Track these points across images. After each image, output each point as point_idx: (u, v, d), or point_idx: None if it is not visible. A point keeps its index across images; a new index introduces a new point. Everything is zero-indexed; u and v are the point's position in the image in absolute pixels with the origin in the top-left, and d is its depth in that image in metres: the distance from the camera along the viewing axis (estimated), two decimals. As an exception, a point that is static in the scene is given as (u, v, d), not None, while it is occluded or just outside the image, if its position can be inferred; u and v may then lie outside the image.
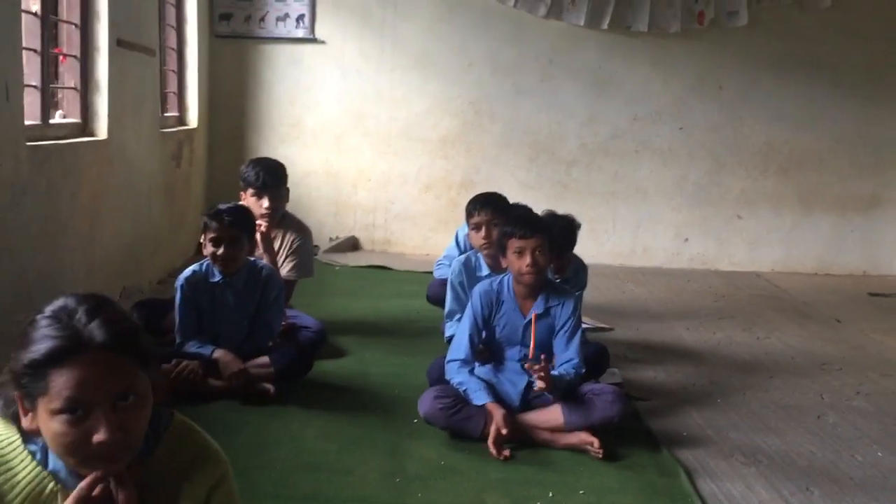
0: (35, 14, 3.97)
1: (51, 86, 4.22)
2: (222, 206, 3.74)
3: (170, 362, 3.55)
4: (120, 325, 1.40)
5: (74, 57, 4.49)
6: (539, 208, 4.16)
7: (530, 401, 3.40)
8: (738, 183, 7.51)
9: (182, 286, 3.75)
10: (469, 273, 4.12)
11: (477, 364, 3.53)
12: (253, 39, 7.19)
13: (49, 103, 4.19)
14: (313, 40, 7.18)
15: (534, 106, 7.36)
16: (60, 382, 1.33)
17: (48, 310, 1.40)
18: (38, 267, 3.69)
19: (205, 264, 3.78)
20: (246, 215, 3.81)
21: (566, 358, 3.40)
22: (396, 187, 7.45)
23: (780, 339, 5.25)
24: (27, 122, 3.75)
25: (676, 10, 7.00)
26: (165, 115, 6.14)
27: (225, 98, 7.23)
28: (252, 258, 3.98)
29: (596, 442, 3.23)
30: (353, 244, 7.45)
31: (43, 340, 1.35)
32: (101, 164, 4.54)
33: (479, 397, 3.31)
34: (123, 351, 1.38)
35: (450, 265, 4.38)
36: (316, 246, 6.43)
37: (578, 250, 4.42)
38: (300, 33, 7.17)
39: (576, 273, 4.39)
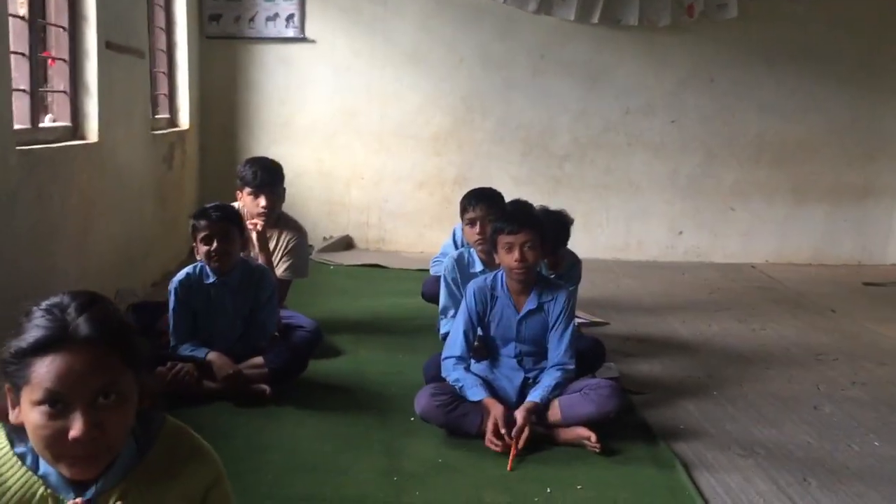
0: (23, 18, 3.95)
1: (40, 90, 4.20)
2: (208, 206, 3.74)
3: (164, 365, 3.54)
4: (109, 321, 1.40)
5: (63, 60, 4.46)
6: (532, 203, 4.15)
7: (527, 395, 3.39)
8: (730, 174, 7.52)
9: (176, 289, 3.73)
10: (462, 269, 4.11)
11: (473, 361, 3.53)
12: (243, 40, 7.17)
13: (39, 107, 4.17)
14: (303, 39, 7.16)
15: (525, 101, 7.35)
16: (42, 373, 1.34)
17: (44, 303, 1.41)
18: (30, 272, 3.67)
19: (198, 267, 3.77)
20: (232, 210, 3.80)
21: (558, 354, 3.40)
22: (390, 185, 7.44)
23: (776, 331, 5.26)
24: (17, 127, 3.73)
25: (666, 3, 6.99)
26: (156, 117, 6.12)
27: (216, 99, 7.21)
28: (246, 258, 3.97)
29: (593, 436, 3.22)
30: (347, 243, 7.44)
31: (32, 330, 1.37)
32: (93, 168, 4.52)
33: (476, 393, 3.31)
34: (109, 347, 1.37)
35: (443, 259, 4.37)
36: (310, 246, 6.41)
37: (572, 245, 4.42)
38: (290, 33, 7.15)
39: (570, 268, 4.39)
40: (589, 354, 3.83)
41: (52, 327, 1.36)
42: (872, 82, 7.39)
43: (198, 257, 3.73)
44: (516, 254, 3.34)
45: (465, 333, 3.46)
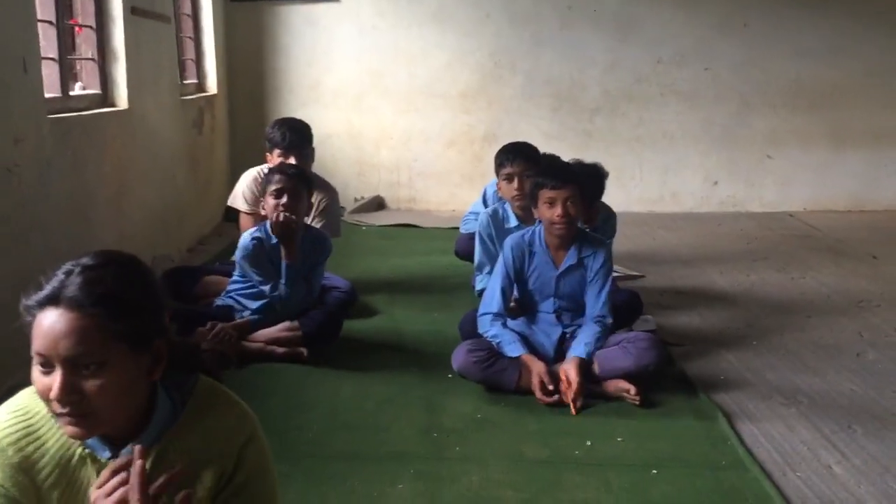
0: (48, -15, 3.94)
1: (68, 57, 4.20)
2: (283, 163, 3.94)
3: (205, 325, 3.57)
4: (102, 288, 1.36)
5: (90, 27, 4.46)
6: (564, 158, 4.10)
7: (565, 351, 3.38)
8: (766, 122, 7.37)
9: (247, 249, 3.75)
10: (497, 225, 4.08)
11: (509, 319, 3.51)
12: (268, 2, 7.12)
13: (68, 75, 4.17)
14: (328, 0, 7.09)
15: (554, 55, 7.24)
16: (36, 330, 1.35)
17: (73, 261, 1.40)
18: (68, 240, 3.71)
19: (263, 229, 3.79)
20: (303, 173, 3.90)
21: (596, 309, 3.37)
22: (419, 144, 7.40)
23: (816, 279, 5.17)
24: (47, 95, 3.74)
25: (697, -53, 6.81)
26: (185, 82, 6.12)
27: (243, 63, 7.19)
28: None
29: (633, 389, 3.21)
30: (378, 203, 7.43)
31: (44, 285, 1.37)
32: (124, 135, 4.53)
33: (514, 349, 3.30)
34: (94, 315, 1.34)
35: (477, 220, 4.34)
36: (342, 207, 6.42)
37: (606, 198, 4.36)
38: (315, -7, 7.08)
39: (605, 221, 4.34)
40: (625, 308, 3.79)
41: (54, 285, 1.36)
42: (913, 22, 7.17)
43: (263, 210, 3.79)
44: (559, 209, 3.30)
45: (503, 289, 3.44)
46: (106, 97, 4.56)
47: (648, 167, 7.43)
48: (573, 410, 3.14)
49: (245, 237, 3.80)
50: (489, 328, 3.39)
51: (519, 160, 4.09)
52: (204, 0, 6.58)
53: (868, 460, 2.81)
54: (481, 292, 3.92)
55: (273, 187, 3.71)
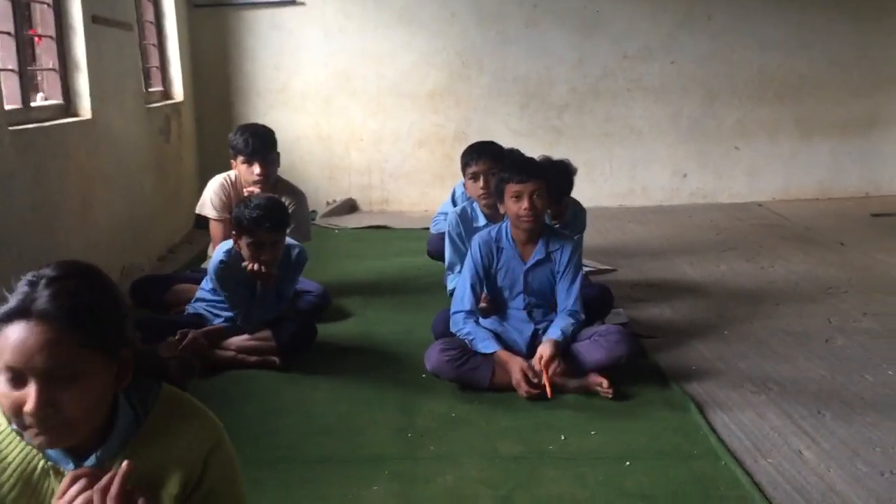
0: (5, -4, 3.89)
1: (29, 68, 4.15)
2: (253, 203, 3.55)
3: (175, 335, 3.54)
4: (71, 299, 1.35)
5: (50, 37, 4.41)
6: (534, 154, 4.12)
7: (537, 347, 3.39)
8: (733, 114, 7.44)
9: (217, 274, 3.65)
10: (466, 224, 4.09)
11: (481, 318, 3.51)
12: (232, 6, 7.08)
13: (29, 86, 4.13)
14: (293, 2, 7.06)
15: (521, 53, 7.26)
16: (3, 343, 1.33)
17: (34, 273, 1.38)
18: (32, 252, 3.66)
19: (232, 253, 3.66)
20: (281, 210, 3.66)
21: (567, 304, 3.39)
22: (389, 145, 7.39)
23: (785, 267, 5.23)
24: (8, 107, 3.69)
25: (659, -58, 6.86)
26: (150, 90, 6.07)
27: (209, 68, 7.14)
28: None
29: (605, 382, 3.23)
30: (351, 206, 7.41)
31: (9, 299, 1.35)
32: (88, 144, 4.49)
33: (487, 346, 3.30)
34: (66, 326, 1.33)
35: (447, 219, 4.35)
36: (313, 211, 6.40)
37: (576, 194, 4.38)
38: (279, -4, 7.05)
39: (574, 217, 4.36)
40: (596, 302, 3.82)
41: (20, 298, 1.34)
42: (874, 12, 7.28)
43: (240, 248, 3.62)
44: (525, 202, 3.31)
45: (473, 287, 3.45)
46: (69, 107, 4.51)
47: (618, 161, 7.47)
48: (548, 392, 3.14)
49: (215, 258, 3.71)
50: (462, 326, 3.39)
51: (484, 159, 4.12)
52: (167, 7, 6.52)
53: (837, 445, 2.85)
54: (453, 292, 3.93)
55: (250, 240, 3.55)
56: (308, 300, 4.19)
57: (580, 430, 2.99)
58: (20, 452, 1.42)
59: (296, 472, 2.72)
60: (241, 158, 4.31)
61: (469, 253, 3.52)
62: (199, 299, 3.83)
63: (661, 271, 5.21)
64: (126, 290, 4.38)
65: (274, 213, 3.57)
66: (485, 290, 3.53)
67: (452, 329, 3.43)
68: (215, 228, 4.40)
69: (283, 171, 4.64)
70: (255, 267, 3.56)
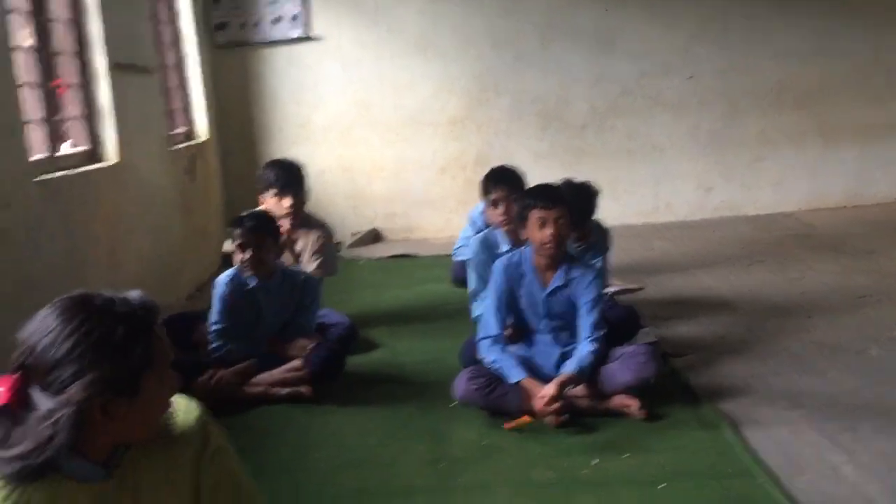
0: (29, 48, 3.99)
1: (54, 118, 4.24)
2: (243, 214, 3.81)
3: (203, 375, 3.57)
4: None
5: (75, 85, 4.51)
6: (555, 176, 4.12)
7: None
8: (754, 124, 7.40)
9: (222, 291, 3.79)
10: (489, 250, 4.08)
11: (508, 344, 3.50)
12: (251, 45, 7.19)
13: (56, 135, 4.21)
14: (309, 38, 7.16)
15: (538, 74, 7.29)
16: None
17: None
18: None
19: (238, 271, 3.82)
20: (266, 218, 3.87)
21: (587, 329, 3.36)
22: (412, 174, 7.43)
23: (815, 278, 5.17)
24: (35, 157, 3.77)
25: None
26: (174, 131, 6.17)
27: (231, 107, 7.25)
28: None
29: (635, 403, 3.21)
30: (374, 236, 7.45)
31: None
32: (115, 189, 4.57)
33: (514, 374, 3.28)
34: None
35: (469, 246, 4.35)
36: (338, 243, 6.44)
37: (600, 212, 4.36)
38: (296, 32, 7.15)
39: (598, 238, 4.35)
40: (623, 324, 3.80)
41: None
42: (892, 15, 7.21)
43: (234, 261, 3.82)
44: (550, 229, 3.31)
45: (498, 311, 3.44)
46: (95, 153, 4.60)
47: (641, 179, 7.45)
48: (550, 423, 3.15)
49: (220, 279, 3.85)
50: (488, 353, 3.39)
51: (503, 185, 4.13)
52: (189, 49, 6.64)
53: (875, 459, 2.81)
54: (478, 318, 3.93)
55: (236, 242, 3.75)
56: (335, 333, 4.20)
57: (613, 454, 2.97)
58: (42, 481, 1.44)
59: (329, 508, 2.73)
60: (271, 192, 4.36)
61: (492, 279, 3.52)
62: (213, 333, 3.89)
63: (688, 288, 5.17)
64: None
65: (258, 217, 3.78)
66: (508, 318, 3.52)
67: (479, 356, 3.42)
68: (243, 266, 4.44)
69: (309, 204, 4.68)
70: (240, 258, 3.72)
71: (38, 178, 3.67)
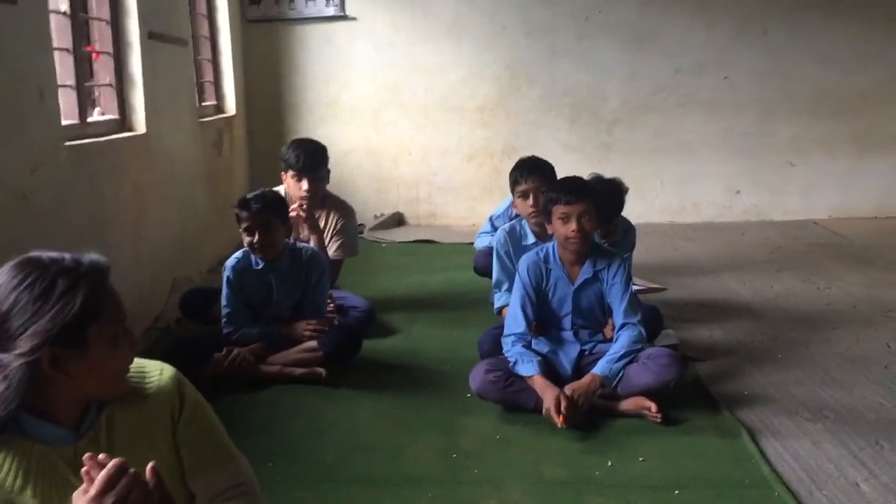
0: (64, 13, 3.98)
1: (86, 84, 4.24)
2: (249, 195, 3.74)
3: (220, 351, 3.57)
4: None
5: (107, 53, 4.50)
6: (583, 170, 4.06)
7: (583, 369, 3.34)
8: (788, 130, 7.28)
9: (228, 275, 3.77)
10: (514, 242, 4.03)
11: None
12: (284, 21, 7.17)
13: (86, 102, 4.21)
14: (344, 17, 7.12)
15: (571, 66, 7.21)
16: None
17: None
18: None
19: (248, 252, 3.79)
20: (273, 199, 3.76)
21: (621, 313, 3.31)
22: (437, 159, 7.39)
23: (842, 288, 5.08)
24: (65, 122, 3.77)
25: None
26: (203, 104, 6.16)
27: (261, 83, 7.23)
28: (295, 241, 3.99)
29: (653, 406, 3.16)
30: (398, 220, 7.43)
31: None
32: (142, 159, 4.56)
33: (526, 369, 3.23)
34: None
35: (493, 236, 4.30)
36: (361, 224, 6.42)
37: (626, 211, 4.32)
38: (331, 11, 7.12)
39: (624, 235, 4.30)
40: (646, 324, 3.72)
41: None
42: (937, 25, 7.07)
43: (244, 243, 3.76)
44: (573, 224, 3.27)
45: (524, 308, 3.39)
46: (124, 122, 4.59)
47: (669, 178, 7.37)
48: (560, 421, 3.05)
49: (227, 268, 3.81)
50: (510, 348, 3.34)
51: (534, 176, 4.04)
52: (221, 22, 6.63)
53: (897, 477, 2.75)
54: (500, 310, 3.90)
55: (243, 225, 3.68)
56: (354, 316, 4.19)
57: (628, 456, 2.93)
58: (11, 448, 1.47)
59: (337, 492, 2.71)
60: (290, 173, 4.34)
61: (517, 275, 3.48)
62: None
63: (712, 291, 5.10)
64: (175, 303, 4.45)
65: (265, 199, 3.69)
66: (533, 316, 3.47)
67: (503, 352, 3.38)
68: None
69: (333, 184, 4.66)
70: (248, 241, 3.68)
71: (68, 143, 3.67)
